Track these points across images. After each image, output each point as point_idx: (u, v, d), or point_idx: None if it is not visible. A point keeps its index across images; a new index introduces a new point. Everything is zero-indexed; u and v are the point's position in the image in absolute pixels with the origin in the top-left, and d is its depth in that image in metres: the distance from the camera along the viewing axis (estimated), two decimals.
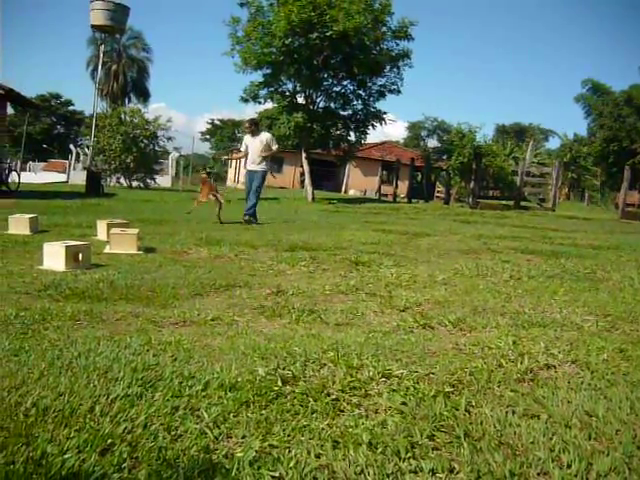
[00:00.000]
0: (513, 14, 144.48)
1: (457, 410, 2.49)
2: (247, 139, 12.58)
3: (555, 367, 3.14)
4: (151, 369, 2.81)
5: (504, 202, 25.29)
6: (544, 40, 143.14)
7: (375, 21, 21.85)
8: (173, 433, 2.20)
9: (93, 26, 25.20)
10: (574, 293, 5.35)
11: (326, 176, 42.84)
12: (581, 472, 2.04)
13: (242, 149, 12.77)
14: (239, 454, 2.07)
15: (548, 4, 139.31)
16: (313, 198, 23.36)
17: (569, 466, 2.07)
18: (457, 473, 2.03)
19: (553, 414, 2.48)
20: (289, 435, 2.23)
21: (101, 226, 8.36)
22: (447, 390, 2.71)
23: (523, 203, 24.65)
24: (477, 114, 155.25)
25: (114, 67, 57.77)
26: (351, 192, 43.00)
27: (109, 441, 2.09)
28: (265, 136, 12.54)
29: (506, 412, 2.50)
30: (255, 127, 12.57)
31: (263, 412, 2.41)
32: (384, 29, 22.62)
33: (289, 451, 2.11)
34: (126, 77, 59.96)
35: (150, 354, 3.07)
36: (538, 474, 2.03)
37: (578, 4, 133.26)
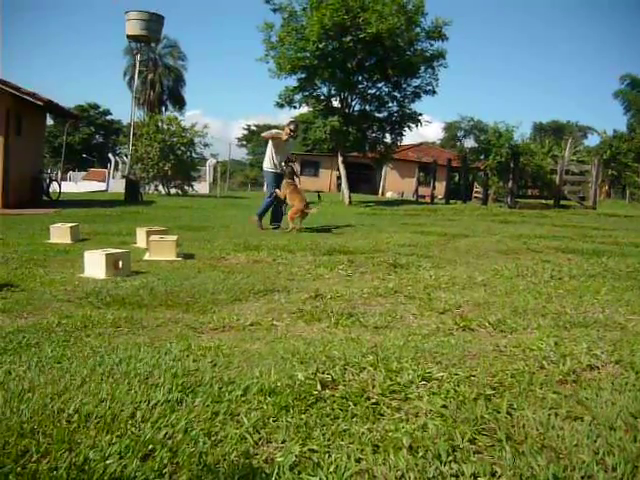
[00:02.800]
0: (549, 10, 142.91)
1: (499, 413, 2.47)
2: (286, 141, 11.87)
3: (598, 368, 3.09)
4: (191, 375, 2.84)
5: (543, 201, 24.98)
6: (581, 36, 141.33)
7: (409, 22, 21.75)
8: (213, 438, 2.21)
9: (129, 36, 25.51)
10: (616, 292, 5.26)
11: (363, 179, 42.80)
12: (627, 475, 2.00)
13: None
14: (279, 459, 2.07)
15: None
16: (350, 201, 23.32)
17: (614, 469, 2.04)
18: (499, 477, 2.01)
19: (597, 416, 2.44)
20: (329, 439, 2.23)
21: (140, 233, 8.45)
22: (488, 393, 2.68)
23: (563, 202, 24.29)
24: (514, 112, 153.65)
25: (150, 76, 58.39)
26: (388, 194, 42.86)
27: (150, 447, 2.11)
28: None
29: (549, 414, 2.46)
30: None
31: (303, 416, 2.41)
32: (418, 30, 22.50)
33: (329, 456, 2.10)
34: (162, 85, 60.58)
35: (190, 360, 3.10)
36: (582, 477, 2.00)
37: None
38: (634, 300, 4.90)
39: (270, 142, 11.84)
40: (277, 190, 11.49)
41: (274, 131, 12.30)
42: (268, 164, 11.84)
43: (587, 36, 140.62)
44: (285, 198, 11.44)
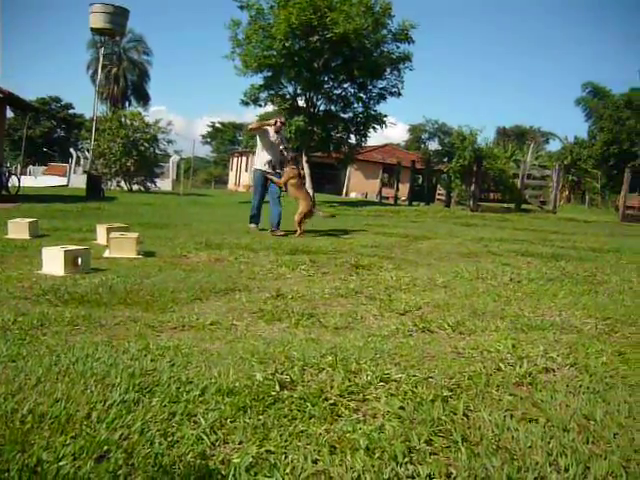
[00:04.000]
0: (513, 16, 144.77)
1: (455, 414, 2.49)
2: (272, 134, 11.00)
3: (554, 370, 3.14)
4: (149, 374, 2.81)
5: (505, 205, 25.28)
6: (544, 43, 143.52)
7: (376, 24, 21.86)
8: (170, 439, 2.19)
9: (92, 29, 25.20)
10: (574, 296, 5.34)
11: (327, 179, 42.87)
12: (578, 476, 2.04)
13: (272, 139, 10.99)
14: (236, 460, 2.06)
15: (547, 6, 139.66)
16: (314, 201, 23.31)
17: (566, 470, 2.07)
18: (454, 478, 2.02)
19: (551, 418, 2.48)
20: (286, 440, 2.22)
21: (101, 230, 8.34)
22: (445, 394, 2.70)
23: (524, 206, 24.62)
24: (478, 117, 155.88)
25: (114, 70, 57.85)
26: (352, 195, 43.05)
27: (105, 448, 2.08)
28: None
29: (504, 416, 2.49)
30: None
31: (260, 417, 2.40)
32: (384, 32, 22.61)
33: (286, 457, 2.10)
34: (126, 80, 60.03)
35: (148, 359, 3.07)
36: (535, 478, 2.03)
37: (578, 6, 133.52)
38: (590, 304, 4.98)
39: (258, 139, 11.17)
40: (274, 179, 10.86)
41: (262, 124, 11.46)
42: (258, 164, 11.12)
43: (551, 44, 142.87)
44: (285, 186, 10.80)
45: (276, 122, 11.07)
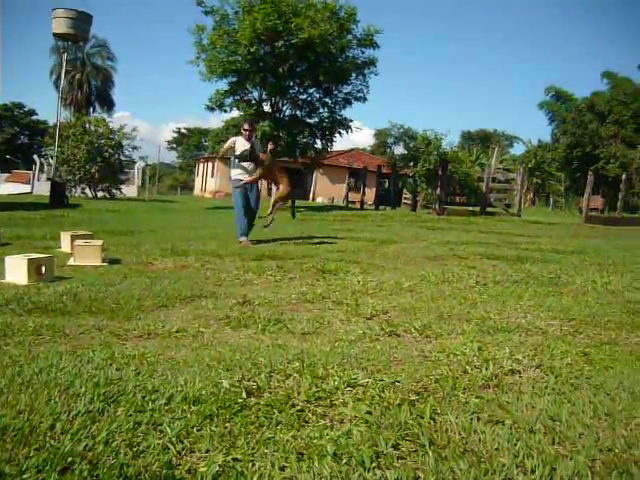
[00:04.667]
0: (476, 21, 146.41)
1: (422, 418, 2.50)
2: (243, 142, 10.02)
3: (520, 372, 3.17)
4: (114, 384, 2.77)
5: (470, 208, 25.51)
6: (508, 47, 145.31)
7: (340, 29, 21.98)
8: (135, 449, 2.16)
9: (55, 34, 24.86)
10: (539, 298, 5.41)
11: (293, 184, 42.87)
12: (544, 477, 2.05)
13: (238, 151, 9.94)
14: (202, 469, 2.04)
15: (510, 11, 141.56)
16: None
17: (533, 472, 2.08)
18: None
19: (517, 420, 2.50)
20: (253, 448, 2.21)
21: (65, 238, 8.24)
22: (412, 398, 2.71)
23: (489, 209, 24.87)
24: (443, 121, 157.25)
25: (78, 76, 57.23)
26: (318, 200, 43.06)
27: (69, 459, 2.05)
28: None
29: (471, 419, 2.50)
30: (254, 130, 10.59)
31: (227, 425, 2.38)
32: (349, 37, 22.75)
33: (253, 464, 2.09)
34: (90, 86, 59.42)
35: (113, 368, 3.03)
36: None
37: (540, 11, 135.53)
38: (555, 305, 5.04)
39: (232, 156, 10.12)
40: (249, 179, 9.95)
41: (226, 145, 10.48)
42: (233, 174, 10.14)
43: (514, 48, 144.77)
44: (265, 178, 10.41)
45: (243, 129, 10.29)
